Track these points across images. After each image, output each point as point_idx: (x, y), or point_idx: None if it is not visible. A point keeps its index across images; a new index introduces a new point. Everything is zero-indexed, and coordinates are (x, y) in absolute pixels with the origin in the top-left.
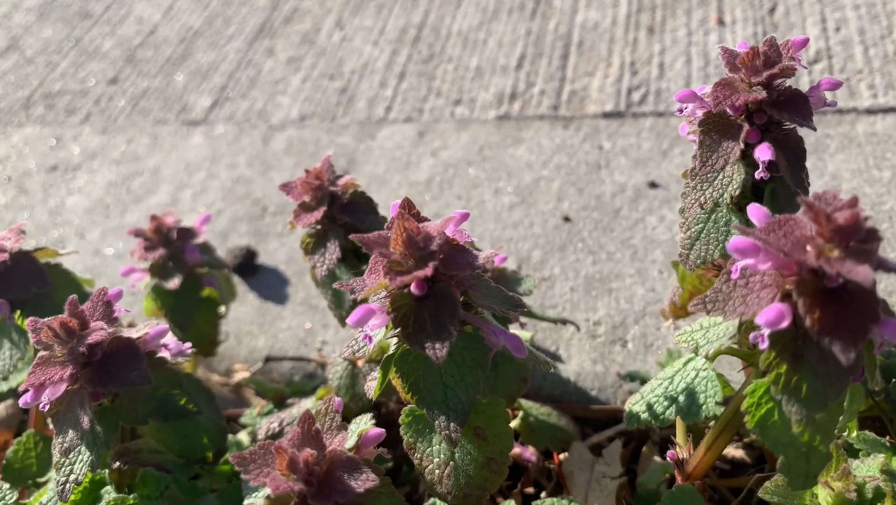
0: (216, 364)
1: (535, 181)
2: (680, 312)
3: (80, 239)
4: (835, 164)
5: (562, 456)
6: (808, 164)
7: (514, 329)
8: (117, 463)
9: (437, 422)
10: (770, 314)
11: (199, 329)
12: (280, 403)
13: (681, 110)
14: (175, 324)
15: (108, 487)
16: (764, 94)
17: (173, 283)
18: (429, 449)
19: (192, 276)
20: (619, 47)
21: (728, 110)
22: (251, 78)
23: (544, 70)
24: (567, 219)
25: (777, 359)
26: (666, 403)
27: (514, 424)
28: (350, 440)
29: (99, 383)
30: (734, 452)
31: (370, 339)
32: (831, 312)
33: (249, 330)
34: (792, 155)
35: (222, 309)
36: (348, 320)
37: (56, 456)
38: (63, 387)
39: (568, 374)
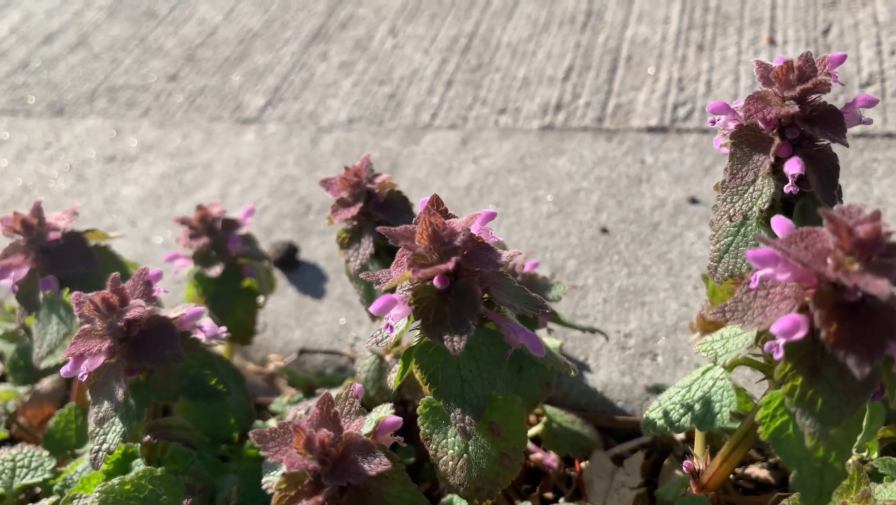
0: (252, 353)
1: (575, 192)
2: (708, 325)
3: (132, 227)
4: (881, 188)
5: (583, 464)
6: (854, 188)
7: (541, 335)
8: (147, 437)
9: (452, 414)
10: (785, 324)
11: (237, 317)
12: (309, 393)
13: (714, 122)
14: (214, 311)
15: (139, 460)
16: (796, 108)
17: (215, 271)
18: (444, 441)
19: (234, 266)
20: (667, 63)
21: (760, 124)
22: (304, 80)
23: (591, 83)
24: (604, 230)
25: (793, 371)
26: (682, 411)
27: (536, 429)
28: (367, 426)
29: (134, 358)
30: (758, 471)
31: (391, 328)
32: (848, 326)
33: (286, 322)
34: (823, 171)
35: (261, 300)
36: (371, 309)
37: (91, 425)
38: (101, 359)
39: (595, 384)
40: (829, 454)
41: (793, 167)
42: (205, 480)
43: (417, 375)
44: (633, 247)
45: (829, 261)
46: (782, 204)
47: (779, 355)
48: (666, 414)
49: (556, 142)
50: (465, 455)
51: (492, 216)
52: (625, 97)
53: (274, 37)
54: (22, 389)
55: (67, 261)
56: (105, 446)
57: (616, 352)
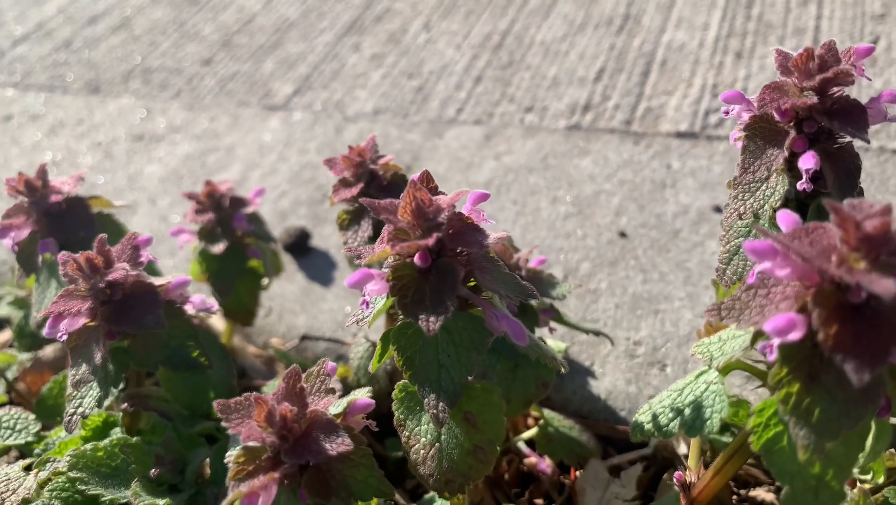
0: (255, 336)
1: (596, 194)
2: (715, 332)
3: (152, 205)
4: None
5: (578, 472)
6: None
7: (544, 334)
8: (125, 404)
9: (426, 400)
10: (779, 322)
11: (239, 297)
12: None
13: (727, 112)
14: (216, 289)
15: (118, 429)
16: (815, 99)
17: (218, 247)
18: (417, 428)
19: (239, 244)
20: (702, 69)
21: (775, 115)
22: (334, 70)
23: (622, 85)
24: (623, 234)
25: (789, 376)
26: (671, 415)
27: (531, 432)
28: (338, 407)
29: (115, 322)
30: (765, 494)
31: (367, 304)
32: (850, 329)
33: (292, 308)
34: (843, 170)
35: (265, 282)
36: (345, 282)
37: (68, 389)
38: (81, 320)
39: (599, 391)
40: (826, 471)
41: (807, 162)
42: (176, 451)
43: (395, 358)
44: (652, 253)
45: (833, 257)
46: (797, 204)
47: (772, 357)
48: (655, 418)
49: (582, 142)
50: (437, 444)
51: (484, 197)
52: (656, 101)
53: (310, 26)
54: (27, 356)
55: (68, 225)
56: (80, 410)
57: (623, 359)
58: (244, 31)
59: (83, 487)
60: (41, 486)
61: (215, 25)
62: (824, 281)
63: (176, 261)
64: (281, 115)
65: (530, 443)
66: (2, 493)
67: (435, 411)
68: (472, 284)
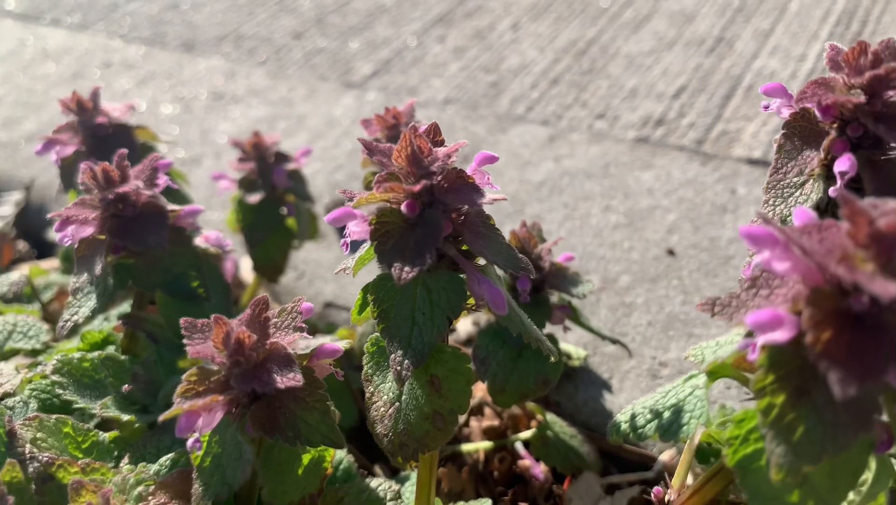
0: (283, 296)
1: (651, 209)
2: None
3: (216, 159)
4: None
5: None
6: None
7: (557, 333)
8: (119, 322)
9: (392, 356)
10: (761, 316)
11: (267, 251)
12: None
13: (766, 107)
14: (247, 239)
15: (113, 347)
16: (862, 98)
17: (254, 197)
18: (382, 385)
19: (276, 199)
20: None
21: (817, 113)
22: (416, 58)
23: (701, 105)
24: (671, 252)
25: (774, 385)
26: (649, 417)
27: (528, 433)
28: (304, 347)
29: (119, 236)
30: None
31: (346, 246)
32: (845, 339)
33: (323, 275)
34: (885, 182)
35: (297, 243)
36: (326, 218)
37: (68, 297)
38: (89, 230)
39: (612, 406)
40: (806, 501)
41: (842, 164)
42: (154, 374)
43: (370, 309)
44: (697, 276)
45: (837, 254)
46: (833, 216)
47: (753, 356)
48: (633, 418)
49: (647, 156)
50: (396, 403)
51: (491, 158)
52: (733, 125)
53: (401, 14)
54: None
55: (111, 148)
56: (75, 317)
57: (645, 378)
58: (339, 11)
59: (60, 392)
60: (27, 383)
61: (313, 3)
62: (824, 279)
63: (227, 214)
64: (355, 93)
65: (526, 444)
66: None
67: (399, 368)
68: (466, 248)
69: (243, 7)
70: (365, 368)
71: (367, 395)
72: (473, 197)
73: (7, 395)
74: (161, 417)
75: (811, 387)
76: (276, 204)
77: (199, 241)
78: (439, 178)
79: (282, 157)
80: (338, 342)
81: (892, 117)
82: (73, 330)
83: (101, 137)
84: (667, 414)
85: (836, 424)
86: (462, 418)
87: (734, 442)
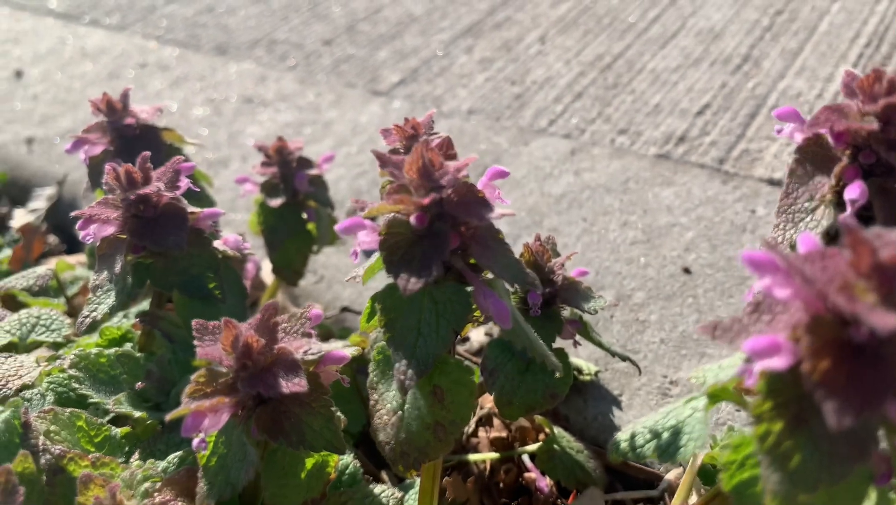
0: (302, 299)
1: (669, 226)
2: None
3: (243, 161)
4: None
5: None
6: None
7: (568, 347)
8: (136, 320)
9: (397, 365)
10: (759, 342)
11: (287, 254)
12: (324, 340)
13: (779, 131)
14: (267, 242)
15: (131, 344)
16: (875, 126)
17: (276, 201)
18: (386, 393)
19: (298, 203)
20: None
21: (829, 139)
22: (442, 67)
23: (724, 123)
24: (687, 271)
25: (772, 413)
26: (648, 437)
27: (535, 446)
28: (314, 352)
29: (138, 236)
30: None
31: (356, 255)
32: (844, 369)
33: (341, 280)
34: None
35: (316, 248)
36: (336, 227)
37: (89, 294)
38: (110, 229)
39: (621, 423)
40: None
41: (853, 192)
42: (167, 372)
43: (377, 318)
44: (713, 295)
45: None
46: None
47: (750, 381)
48: (633, 437)
49: (668, 172)
50: (399, 412)
51: (502, 174)
52: (755, 144)
53: (430, 24)
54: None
55: (138, 149)
56: (94, 313)
57: (655, 396)
58: (369, 19)
59: (77, 386)
60: (46, 376)
61: (345, 11)
62: (825, 309)
63: (251, 216)
64: (382, 100)
65: (532, 457)
66: (11, 375)
67: (402, 378)
68: (474, 262)
69: (277, 12)
70: (370, 375)
71: (372, 403)
72: (482, 211)
73: (26, 386)
74: (168, 417)
75: (809, 416)
76: (297, 208)
77: (218, 243)
78: (449, 191)
79: (304, 163)
80: (347, 349)
81: None
82: (93, 326)
83: (129, 138)
84: (665, 435)
85: (832, 455)
86: (470, 428)
87: (731, 467)
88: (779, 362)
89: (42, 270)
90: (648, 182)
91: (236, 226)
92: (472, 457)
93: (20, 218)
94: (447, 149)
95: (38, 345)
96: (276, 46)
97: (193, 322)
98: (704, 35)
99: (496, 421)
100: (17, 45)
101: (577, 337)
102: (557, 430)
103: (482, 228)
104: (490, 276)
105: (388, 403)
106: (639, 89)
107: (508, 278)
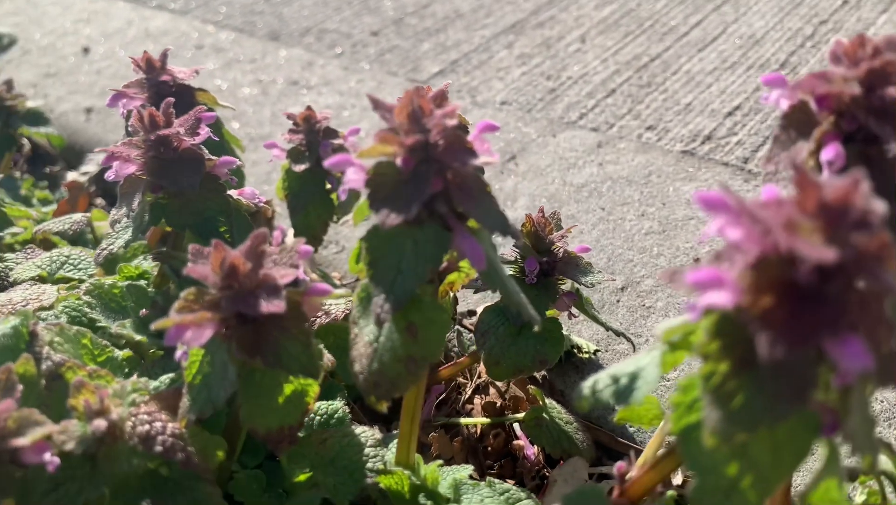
0: (323, 267)
1: (686, 219)
2: None
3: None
4: None
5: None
6: None
7: (562, 319)
8: (150, 256)
9: (375, 299)
10: (701, 275)
11: (308, 219)
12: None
13: (766, 99)
14: (289, 206)
15: (146, 281)
16: (856, 90)
17: (300, 167)
18: (366, 327)
19: (321, 171)
20: None
21: (812, 104)
22: (481, 61)
23: (753, 125)
24: (698, 262)
25: (718, 353)
26: (608, 382)
27: (524, 414)
28: (296, 281)
29: (157, 175)
30: None
31: (345, 193)
32: (786, 307)
33: None
34: (882, 181)
35: (337, 217)
36: (325, 162)
37: (107, 228)
38: (131, 168)
39: None
40: (744, 476)
41: (827, 153)
42: (170, 303)
43: (362, 256)
44: None
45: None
46: None
47: (693, 315)
48: (594, 384)
49: (692, 168)
50: (374, 345)
51: (491, 127)
52: None
53: (475, 21)
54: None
55: (173, 106)
56: (111, 247)
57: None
58: (417, 13)
59: (88, 311)
60: (62, 301)
61: (395, 5)
62: (772, 249)
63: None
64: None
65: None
66: (32, 298)
67: (379, 311)
68: (462, 211)
69: (330, 4)
70: (353, 311)
71: (352, 336)
72: (465, 157)
73: (43, 308)
74: (153, 326)
75: (755, 358)
76: (320, 176)
77: (233, 192)
78: (437, 137)
79: (330, 132)
80: (341, 290)
81: (884, 111)
82: (113, 263)
83: (164, 95)
84: (623, 380)
85: (777, 397)
86: (466, 395)
87: (679, 408)
88: (722, 298)
89: (78, 216)
90: (670, 177)
91: (270, 196)
92: (464, 420)
93: (70, 177)
94: (441, 100)
95: (65, 281)
96: (325, 35)
97: (190, 246)
98: (744, 41)
99: (492, 390)
100: (87, 25)
101: (574, 310)
102: (550, 401)
103: (470, 178)
104: (477, 227)
105: (366, 336)
106: (671, 89)
107: (487, 225)
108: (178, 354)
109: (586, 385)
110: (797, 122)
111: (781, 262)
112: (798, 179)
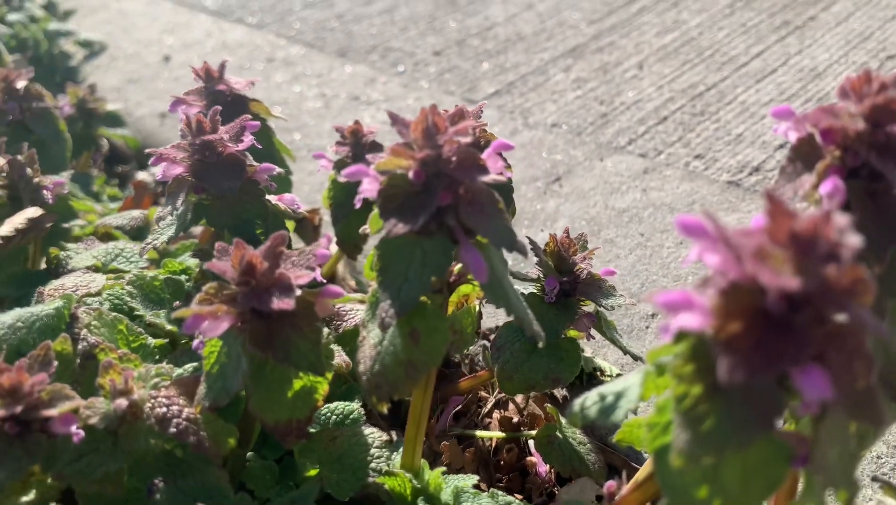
0: (363, 273)
1: None
2: None
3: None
4: None
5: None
6: None
7: (581, 341)
8: (189, 253)
9: (381, 304)
10: (671, 296)
11: (349, 228)
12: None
13: (776, 130)
14: (332, 215)
15: (187, 277)
16: (861, 125)
17: (344, 178)
18: (373, 331)
19: None
20: None
21: (818, 138)
22: (537, 83)
23: None
24: None
25: (693, 376)
26: (596, 399)
27: (536, 431)
28: (310, 283)
29: (200, 178)
30: None
31: (359, 202)
32: (751, 333)
33: None
34: (885, 218)
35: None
36: (343, 172)
37: (154, 225)
38: (178, 169)
39: None
40: (713, 500)
41: (825, 187)
42: None
43: (373, 262)
44: None
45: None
46: None
47: (666, 337)
48: (584, 401)
49: (735, 199)
50: (378, 348)
51: (506, 146)
52: None
53: (536, 44)
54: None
55: (227, 116)
56: (155, 242)
57: None
58: (480, 35)
59: (129, 300)
60: (107, 289)
61: (459, 26)
62: (744, 276)
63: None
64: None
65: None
66: (82, 284)
67: (384, 315)
68: (469, 224)
69: (398, 23)
70: (364, 314)
71: (360, 338)
72: (475, 173)
73: (90, 294)
74: (173, 314)
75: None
76: None
77: (272, 198)
78: (448, 152)
79: (375, 146)
80: (357, 296)
81: (888, 148)
82: (163, 257)
83: (220, 103)
84: (609, 398)
85: (746, 420)
86: (486, 409)
87: (654, 429)
88: (692, 320)
89: (136, 213)
90: (713, 206)
91: (319, 204)
92: (479, 433)
93: (139, 177)
94: (459, 117)
95: (115, 272)
96: (390, 53)
97: (217, 244)
98: (805, 73)
99: (511, 405)
100: (170, 35)
101: (592, 331)
102: (564, 420)
103: (481, 193)
104: (485, 241)
105: (372, 339)
106: (724, 119)
107: (494, 240)
108: (195, 343)
109: (577, 402)
110: (804, 155)
111: (753, 289)
112: (770, 209)
